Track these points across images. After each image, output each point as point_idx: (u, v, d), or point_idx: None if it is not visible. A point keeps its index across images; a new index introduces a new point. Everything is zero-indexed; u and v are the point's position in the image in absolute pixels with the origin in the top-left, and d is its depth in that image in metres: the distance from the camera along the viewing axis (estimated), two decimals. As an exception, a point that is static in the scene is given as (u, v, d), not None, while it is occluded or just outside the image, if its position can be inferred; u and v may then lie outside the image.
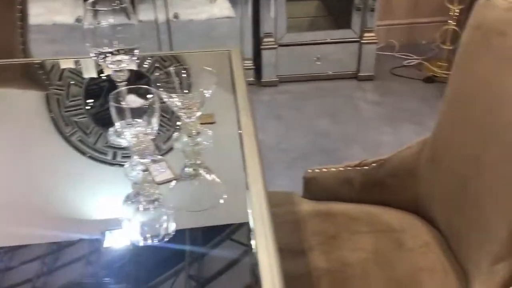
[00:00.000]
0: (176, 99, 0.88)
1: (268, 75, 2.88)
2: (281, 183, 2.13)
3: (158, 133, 1.04)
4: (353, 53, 2.88)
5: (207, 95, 0.89)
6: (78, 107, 1.19)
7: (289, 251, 1.13)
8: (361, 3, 2.76)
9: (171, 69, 0.93)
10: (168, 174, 0.90)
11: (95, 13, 0.99)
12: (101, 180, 0.98)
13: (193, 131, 0.95)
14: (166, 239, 0.83)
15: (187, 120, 0.93)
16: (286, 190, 1.36)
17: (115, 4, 0.96)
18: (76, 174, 0.99)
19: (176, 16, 2.67)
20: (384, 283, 1.04)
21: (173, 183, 0.95)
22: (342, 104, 2.72)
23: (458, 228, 1.07)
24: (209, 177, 0.98)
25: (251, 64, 2.86)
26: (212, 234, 0.85)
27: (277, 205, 1.28)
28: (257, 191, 0.89)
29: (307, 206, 1.27)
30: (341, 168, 1.30)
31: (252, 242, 0.80)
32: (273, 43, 2.79)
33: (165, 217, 0.89)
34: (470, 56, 1.06)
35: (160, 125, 1.09)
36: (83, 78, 1.32)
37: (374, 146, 2.37)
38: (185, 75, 0.94)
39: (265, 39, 2.79)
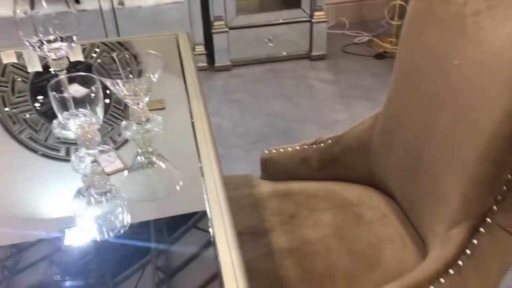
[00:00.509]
0: (122, 86, 0.85)
1: (220, 59, 2.84)
2: (241, 167, 2.12)
3: (112, 125, 1.01)
4: (305, 33, 2.88)
5: (153, 79, 0.86)
6: (25, 103, 1.14)
7: (250, 233, 1.12)
8: (309, -18, 2.76)
9: (114, 54, 0.90)
10: (118, 164, 0.87)
11: (32, 1, 0.94)
12: (56, 177, 0.94)
13: (142, 118, 0.92)
14: (129, 232, 0.80)
15: (135, 107, 0.90)
16: (244, 173, 1.35)
17: (51, -9, 0.91)
18: (29, 172, 0.94)
19: (121, 3, 2.59)
20: (346, 256, 1.05)
21: (126, 173, 0.92)
22: (296, 85, 2.73)
23: (413, 198, 1.09)
24: (163, 164, 0.95)
25: (203, 49, 2.82)
26: (176, 224, 0.83)
27: (236, 188, 1.26)
28: (212, 176, 0.88)
29: (265, 187, 1.26)
30: (297, 147, 1.30)
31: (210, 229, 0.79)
32: (223, 26, 2.76)
33: (120, 209, 0.87)
34: (415, 28, 1.07)
35: (114, 117, 1.06)
36: (28, 73, 1.26)
37: (330, 124, 2.39)
38: (130, 61, 0.91)
39: (216, 23, 2.75)
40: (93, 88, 0.78)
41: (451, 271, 0.88)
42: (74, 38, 0.92)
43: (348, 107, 2.52)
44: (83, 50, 1.32)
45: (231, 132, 2.35)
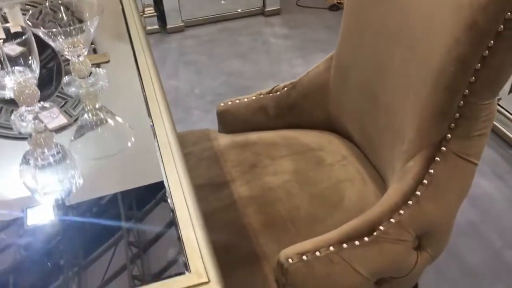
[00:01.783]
0: (57, 37, 0.79)
1: (172, 21, 2.76)
2: (202, 127, 2.08)
3: (65, 99, 0.94)
4: (257, -12, 2.82)
5: (91, 28, 0.81)
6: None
7: (212, 186, 1.10)
8: None
9: (47, 4, 0.84)
10: (61, 120, 0.82)
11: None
12: (11, 157, 0.87)
13: (85, 72, 0.87)
14: (90, 203, 0.75)
15: (76, 60, 0.85)
16: (201, 128, 1.32)
17: None
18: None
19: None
20: (308, 199, 1.05)
21: (74, 132, 0.87)
22: (252, 42, 2.68)
23: (372, 136, 1.09)
24: (112, 121, 0.91)
25: (153, 11, 2.72)
26: (144, 195, 0.79)
27: (195, 143, 1.24)
28: (164, 131, 0.83)
29: (224, 140, 1.24)
30: (253, 97, 1.28)
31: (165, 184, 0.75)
32: (172, -14, 2.66)
33: (73, 172, 0.82)
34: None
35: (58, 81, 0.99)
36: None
37: (289, 79, 2.34)
38: (64, 10, 0.85)
39: (164, -17, 2.65)
40: (24, 37, 0.73)
41: (410, 202, 0.89)
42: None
43: (305, 61, 2.50)
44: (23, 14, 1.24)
45: (189, 94, 2.31)
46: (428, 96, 0.86)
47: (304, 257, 0.87)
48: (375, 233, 0.88)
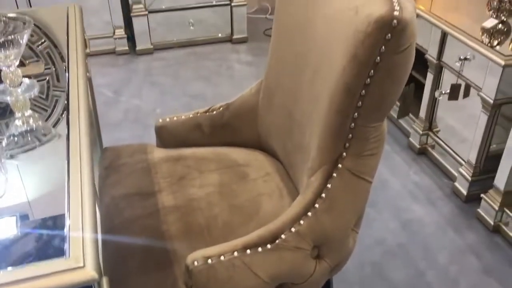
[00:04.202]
0: (-12, 48, 0.88)
1: (142, 43, 2.86)
2: (158, 146, 2.16)
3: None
4: (226, 16, 2.95)
5: (21, 41, 0.89)
6: None
7: (140, 195, 1.17)
8: (227, -34, 2.81)
9: (-17, 19, 0.92)
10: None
11: None
12: None
13: (15, 81, 0.95)
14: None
15: (7, 70, 0.93)
16: (141, 142, 1.40)
17: None
18: None
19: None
20: (227, 209, 1.12)
21: (4, 142, 0.94)
22: (217, 67, 2.79)
23: (290, 154, 1.18)
24: (40, 127, 0.98)
25: (123, 33, 2.82)
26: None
27: (131, 155, 1.31)
28: (77, 141, 0.88)
29: (159, 153, 1.32)
30: (190, 115, 1.37)
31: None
32: (143, 9, 2.77)
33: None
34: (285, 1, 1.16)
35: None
36: None
37: (247, 103, 2.46)
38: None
39: (135, 6, 2.76)
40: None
41: (309, 214, 0.97)
42: None
43: (265, 87, 2.61)
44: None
45: (150, 113, 2.39)
46: (325, 117, 0.95)
47: (209, 261, 0.94)
48: (277, 241, 0.97)
